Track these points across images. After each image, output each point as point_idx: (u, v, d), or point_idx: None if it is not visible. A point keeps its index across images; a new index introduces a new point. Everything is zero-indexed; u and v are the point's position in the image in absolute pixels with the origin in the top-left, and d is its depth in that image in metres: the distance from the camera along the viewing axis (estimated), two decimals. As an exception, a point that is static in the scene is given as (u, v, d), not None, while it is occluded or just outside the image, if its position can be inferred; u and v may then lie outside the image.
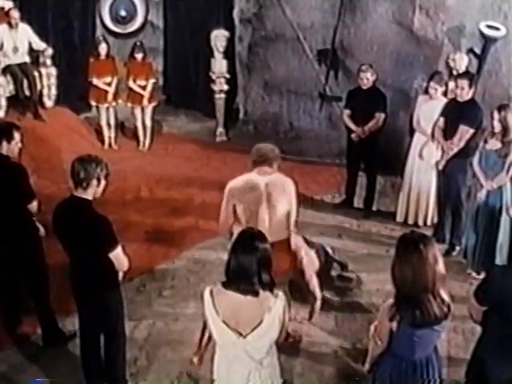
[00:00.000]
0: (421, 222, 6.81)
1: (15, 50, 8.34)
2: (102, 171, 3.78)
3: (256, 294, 2.96)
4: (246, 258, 2.97)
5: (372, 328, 3.27)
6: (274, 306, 2.99)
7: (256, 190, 4.30)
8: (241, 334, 2.98)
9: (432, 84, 6.40)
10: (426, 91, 6.58)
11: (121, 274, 4.03)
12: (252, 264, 2.96)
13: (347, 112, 7.12)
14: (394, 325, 3.05)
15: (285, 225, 4.39)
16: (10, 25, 8.27)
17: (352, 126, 7.02)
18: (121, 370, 4.23)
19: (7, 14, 8.36)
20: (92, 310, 3.98)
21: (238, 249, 3.02)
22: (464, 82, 5.85)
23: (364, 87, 6.90)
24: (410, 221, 6.85)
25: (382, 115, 6.89)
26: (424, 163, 6.55)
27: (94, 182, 3.75)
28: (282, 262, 4.19)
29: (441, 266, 3.01)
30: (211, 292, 3.05)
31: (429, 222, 6.79)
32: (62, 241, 3.88)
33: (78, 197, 3.77)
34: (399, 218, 6.90)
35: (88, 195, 3.78)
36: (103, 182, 3.82)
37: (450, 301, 3.09)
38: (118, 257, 3.83)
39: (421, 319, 2.99)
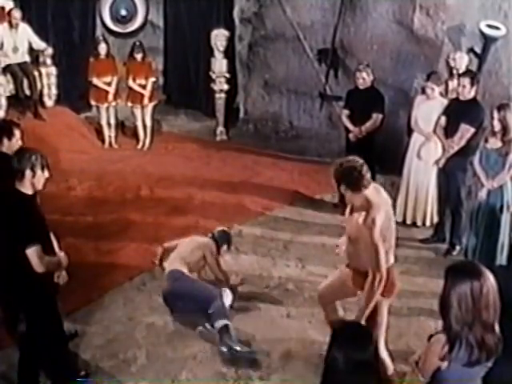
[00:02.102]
0: (419, 222, 6.81)
1: (15, 49, 8.35)
2: (36, 161, 3.78)
3: None
4: (360, 365, 2.36)
5: (412, 362, 2.98)
6: None
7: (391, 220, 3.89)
8: None
9: (429, 84, 6.39)
10: (424, 91, 6.58)
11: (62, 278, 4.04)
12: (369, 370, 2.39)
13: (346, 112, 7.14)
14: (445, 364, 2.73)
15: None
16: (11, 24, 8.27)
17: (349, 125, 7.03)
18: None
19: (8, 13, 8.36)
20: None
21: (348, 358, 2.35)
22: (466, 81, 5.85)
23: (361, 87, 6.91)
24: (409, 221, 6.85)
25: (380, 115, 6.89)
26: (422, 163, 6.54)
27: (28, 172, 3.76)
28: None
29: (498, 298, 2.70)
30: None
31: (428, 223, 6.79)
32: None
33: (15, 188, 3.78)
34: (397, 217, 6.89)
35: (25, 188, 3.78)
36: (40, 173, 3.81)
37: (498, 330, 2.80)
38: (32, 256, 3.73)
39: (477, 358, 2.70)
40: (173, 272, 5.04)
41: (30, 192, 3.81)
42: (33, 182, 3.80)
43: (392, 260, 3.91)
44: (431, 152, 6.41)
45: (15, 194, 3.79)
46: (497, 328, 2.76)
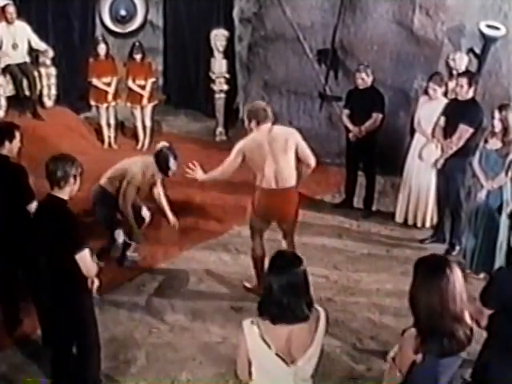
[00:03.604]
0: (419, 224, 6.81)
1: (15, 46, 8.34)
2: (77, 170, 3.81)
3: (308, 318, 2.82)
4: (290, 287, 2.75)
5: (389, 359, 3.03)
6: (320, 323, 2.88)
7: (262, 149, 4.94)
8: (292, 362, 2.82)
9: (431, 85, 6.40)
10: (426, 92, 6.59)
11: (95, 285, 3.97)
12: (298, 291, 2.77)
13: (346, 112, 7.14)
14: (419, 357, 2.82)
15: (292, 174, 5.05)
16: (7, 21, 8.27)
17: (349, 125, 7.04)
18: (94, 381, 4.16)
19: (3, 10, 8.36)
20: (57, 317, 3.91)
21: (278, 278, 2.76)
22: (464, 81, 5.86)
23: (361, 87, 6.91)
24: (410, 222, 6.85)
25: (380, 115, 6.89)
26: (423, 164, 6.54)
27: (71, 180, 3.77)
28: (293, 206, 5.18)
29: (464, 290, 2.82)
30: (256, 325, 2.82)
31: (428, 224, 6.79)
32: (34, 241, 3.86)
33: (53, 195, 3.78)
34: (398, 218, 6.90)
35: (64, 194, 3.78)
36: (78, 181, 3.85)
37: (472, 322, 2.92)
38: (84, 260, 3.73)
39: (448, 349, 2.79)
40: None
41: (66, 198, 3.81)
42: (72, 188, 3.81)
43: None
44: (433, 153, 6.41)
45: (57, 200, 3.77)
46: (467, 319, 2.84)
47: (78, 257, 3.70)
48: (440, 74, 6.62)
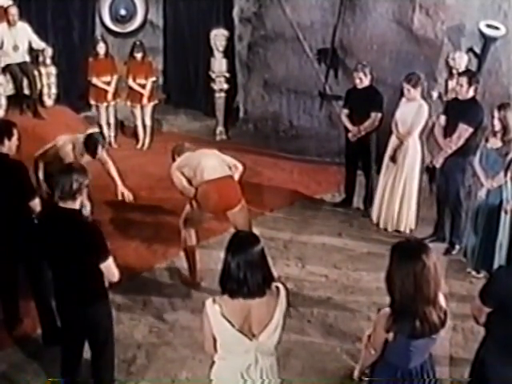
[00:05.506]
0: (389, 228, 6.70)
1: (15, 48, 8.34)
2: (87, 178, 3.74)
3: (264, 294, 2.95)
4: (246, 264, 2.89)
5: (365, 337, 3.20)
6: (280, 300, 3.00)
7: (192, 156, 5.57)
8: (253, 336, 2.96)
9: (405, 85, 6.30)
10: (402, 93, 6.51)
11: (107, 283, 3.90)
12: (254, 268, 2.90)
13: (345, 111, 7.13)
14: (391, 335, 2.95)
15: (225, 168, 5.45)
16: (9, 22, 8.27)
17: (348, 125, 7.03)
18: (108, 381, 4.15)
19: (6, 11, 8.35)
20: (78, 324, 3.83)
21: (235, 256, 2.91)
22: (464, 80, 5.85)
23: (359, 86, 6.90)
24: (382, 225, 6.76)
25: (379, 115, 6.87)
26: (395, 166, 6.46)
27: (84, 190, 3.69)
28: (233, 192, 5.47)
29: (440, 274, 2.92)
30: (218, 303, 2.95)
31: (390, 228, 6.67)
32: (47, 253, 3.76)
33: (66, 208, 3.65)
34: (375, 219, 6.84)
35: (76, 205, 3.68)
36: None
37: (446, 305, 3.02)
38: (110, 267, 3.72)
39: (420, 330, 2.90)
40: None
41: (78, 208, 3.71)
42: (82, 198, 3.73)
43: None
44: (404, 155, 6.38)
45: (72, 212, 3.66)
46: (442, 303, 2.96)
47: (103, 265, 3.68)
48: (416, 75, 6.41)
